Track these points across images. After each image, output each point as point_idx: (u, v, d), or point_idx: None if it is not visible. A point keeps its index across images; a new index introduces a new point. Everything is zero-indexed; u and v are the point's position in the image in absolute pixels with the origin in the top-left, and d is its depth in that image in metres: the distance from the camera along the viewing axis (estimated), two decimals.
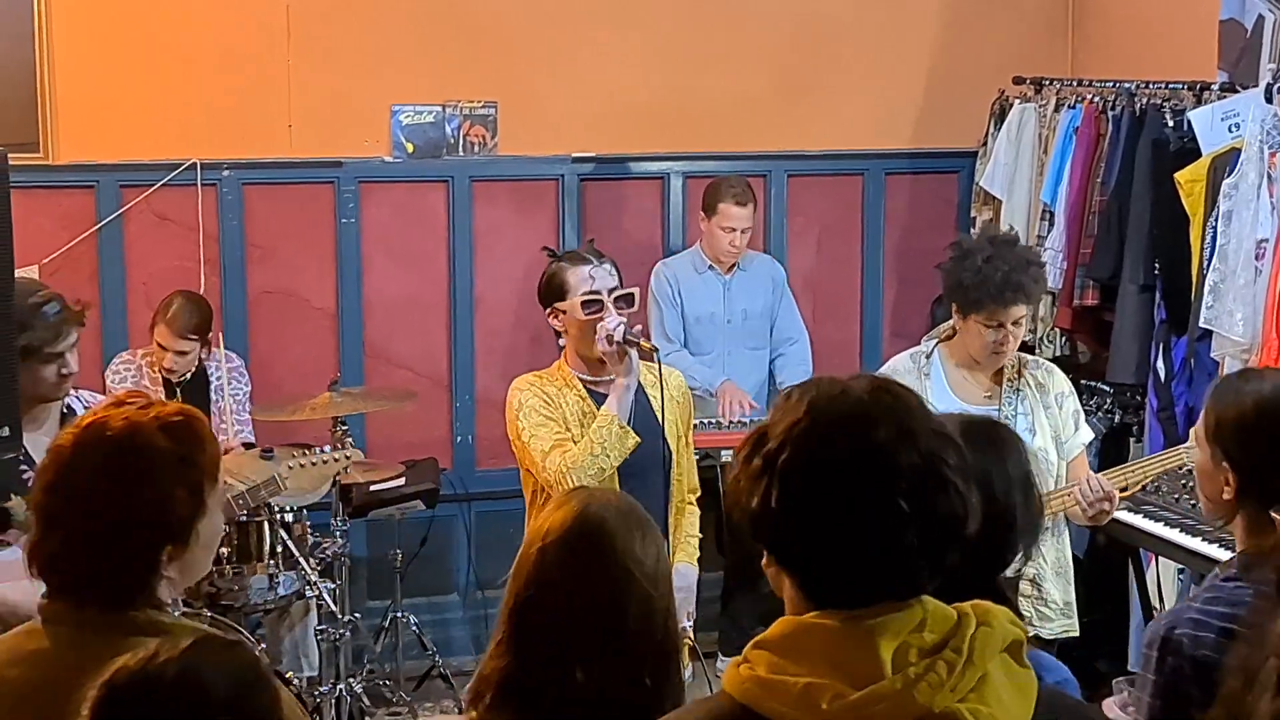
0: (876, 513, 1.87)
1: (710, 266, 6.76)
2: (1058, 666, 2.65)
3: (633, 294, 4.52)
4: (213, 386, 6.35)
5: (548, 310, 4.55)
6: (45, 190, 6.54)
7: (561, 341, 4.61)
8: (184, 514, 2.48)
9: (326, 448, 5.59)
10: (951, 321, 4.74)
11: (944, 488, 1.89)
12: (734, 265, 6.76)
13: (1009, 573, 2.66)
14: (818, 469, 1.89)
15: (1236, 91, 6.07)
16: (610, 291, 4.41)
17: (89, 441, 2.49)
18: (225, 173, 6.80)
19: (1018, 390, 4.68)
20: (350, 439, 6.00)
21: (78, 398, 4.62)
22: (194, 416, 2.60)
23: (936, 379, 4.71)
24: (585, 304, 4.38)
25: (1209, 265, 5.81)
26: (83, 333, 6.47)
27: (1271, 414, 2.90)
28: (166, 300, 6.22)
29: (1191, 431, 3.14)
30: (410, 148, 7.03)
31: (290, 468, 5.37)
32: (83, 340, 6.50)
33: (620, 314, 4.38)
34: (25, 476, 4.30)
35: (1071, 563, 4.75)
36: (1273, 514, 2.60)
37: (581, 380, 4.51)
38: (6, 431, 3.39)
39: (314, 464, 5.46)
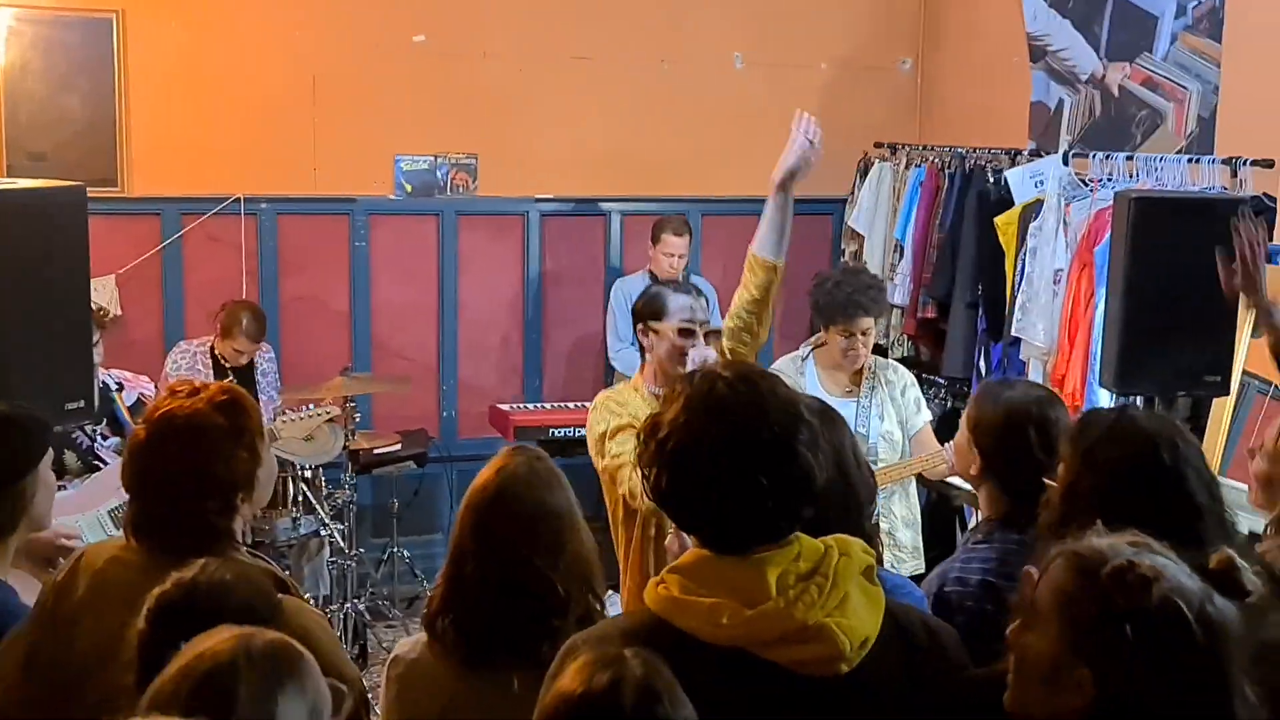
0: (743, 484, 1.86)
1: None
2: (909, 584, 2.69)
3: (715, 331, 3.93)
4: (259, 370, 6.29)
5: (639, 325, 3.90)
6: (121, 217, 6.45)
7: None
8: (248, 469, 2.47)
9: (311, 405, 5.60)
10: (821, 334, 4.76)
11: (794, 457, 1.87)
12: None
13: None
14: (694, 455, 1.88)
15: (1041, 156, 6.12)
16: (703, 324, 3.84)
17: (161, 430, 2.46)
18: (263, 205, 6.75)
19: (873, 387, 4.68)
20: (358, 414, 6.00)
21: (110, 375, 4.62)
22: (237, 392, 2.58)
23: (810, 377, 4.71)
24: (682, 330, 3.79)
25: (1019, 288, 5.84)
26: (143, 328, 6.54)
27: (1014, 418, 2.84)
28: (233, 313, 6.10)
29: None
30: (409, 189, 6.98)
31: (283, 422, 5.45)
32: (147, 330, 6.58)
33: (710, 345, 3.81)
34: (73, 436, 4.28)
35: (919, 517, 4.75)
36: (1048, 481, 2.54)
37: (654, 395, 3.78)
38: (82, 403, 3.35)
39: (300, 419, 5.52)
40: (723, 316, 3.95)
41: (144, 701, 1.69)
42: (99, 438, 4.99)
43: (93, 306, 4.75)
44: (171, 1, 6.50)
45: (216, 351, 6.15)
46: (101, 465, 4.73)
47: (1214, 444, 4.65)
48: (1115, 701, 1.64)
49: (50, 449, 2.83)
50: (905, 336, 6.79)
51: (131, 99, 6.47)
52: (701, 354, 3.69)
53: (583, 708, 1.66)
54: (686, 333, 3.79)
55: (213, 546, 2.40)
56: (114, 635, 2.25)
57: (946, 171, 6.61)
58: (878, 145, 7.30)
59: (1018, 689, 1.76)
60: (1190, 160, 5.34)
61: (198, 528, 2.42)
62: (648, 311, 3.87)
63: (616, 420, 3.70)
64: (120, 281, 6.51)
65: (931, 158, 6.81)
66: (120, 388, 5.28)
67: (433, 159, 7.00)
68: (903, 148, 7.14)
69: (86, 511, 4.18)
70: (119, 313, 6.47)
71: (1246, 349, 4.50)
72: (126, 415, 4.86)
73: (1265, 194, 4.88)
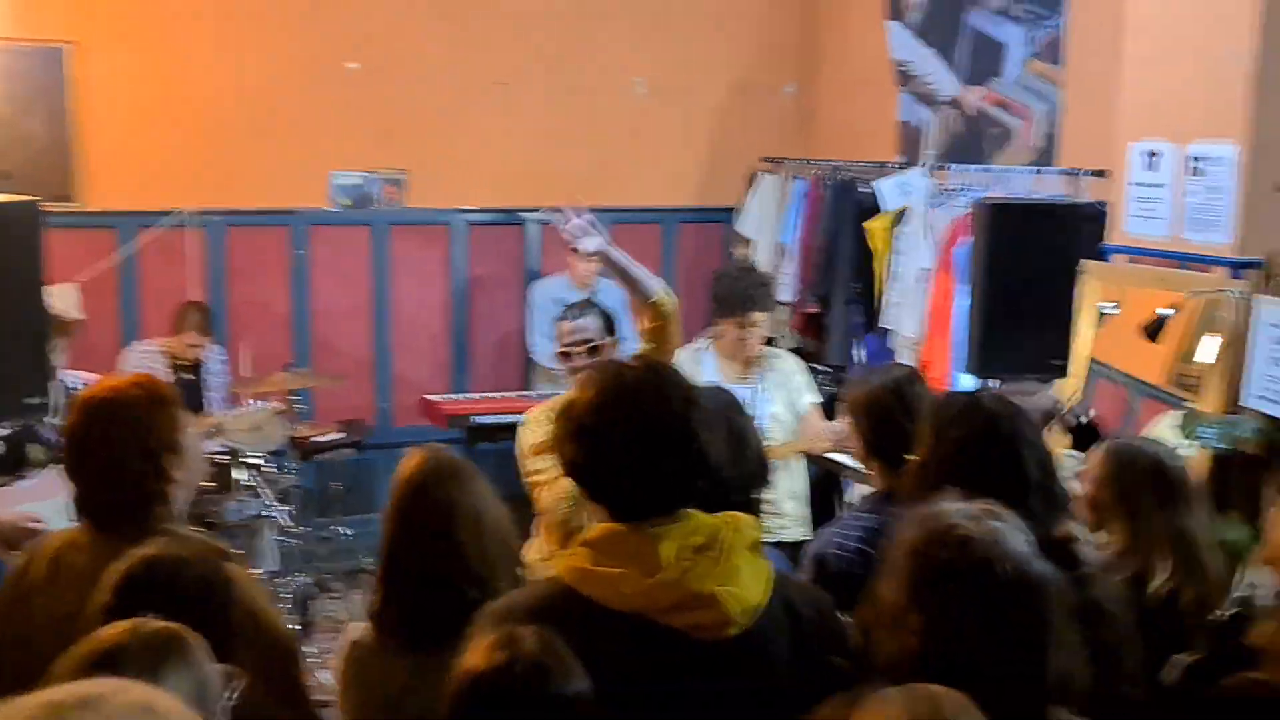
0: (645, 460, 1.85)
1: (573, 289, 6.50)
2: (773, 552, 2.67)
3: (599, 346, 3.70)
4: (209, 370, 6.16)
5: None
6: (81, 230, 6.29)
7: None
8: (171, 435, 2.41)
9: (256, 402, 5.52)
10: (717, 325, 4.73)
11: (692, 438, 1.87)
12: (589, 288, 6.47)
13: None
14: (602, 433, 1.88)
15: (908, 169, 6.16)
16: (584, 344, 3.67)
17: (85, 413, 2.42)
18: (212, 218, 6.60)
19: (763, 374, 4.67)
20: (301, 406, 5.91)
21: (73, 376, 4.56)
22: (151, 376, 2.55)
23: (707, 365, 4.68)
24: (560, 354, 3.75)
25: (890, 286, 5.89)
26: (102, 333, 6.38)
27: (876, 396, 2.88)
28: (183, 313, 6.00)
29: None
30: (345, 202, 6.88)
31: (232, 418, 5.36)
32: (105, 333, 6.42)
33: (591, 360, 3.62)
34: (38, 430, 4.18)
35: (806, 490, 4.75)
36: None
37: None
38: (39, 400, 3.27)
39: (246, 414, 5.42)
40: (635, 319, 3.91)
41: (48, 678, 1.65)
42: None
43: (56, 314, 4.62)
44: (121, 33, 6.34)
45: (171, 350, 6.01)
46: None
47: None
48: (942, 646, 1.67)
49: None
50: (791, 330, 6.82)
51: (86, 122, 6.31)
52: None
53: (481, 685, 1.66)
54: (564, 355, 3.72)
55: (153, 513, 2.36)
56: (71, 611, 2.19)
57: (826, 183, 6.63)
58: (764, 160, 7.31)
59: (878, 634, 1.78)
60: (1036, 171, 5.42)
61: (137, 496, 2.36)
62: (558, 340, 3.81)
63: (539, 437, 3.56)
64: (83, 289, 6.32)
65: (812, 171, 6.83)
66: (84, 385, 5.16)
67: (365, 174, 6.89)
68: (787, 162, 7.15)
69: (48, 500, 4.06)
70: (81, 315, 6.29)
71: (1087, 337, 4.56)
72: None
73: (1101, 201, 4.96)
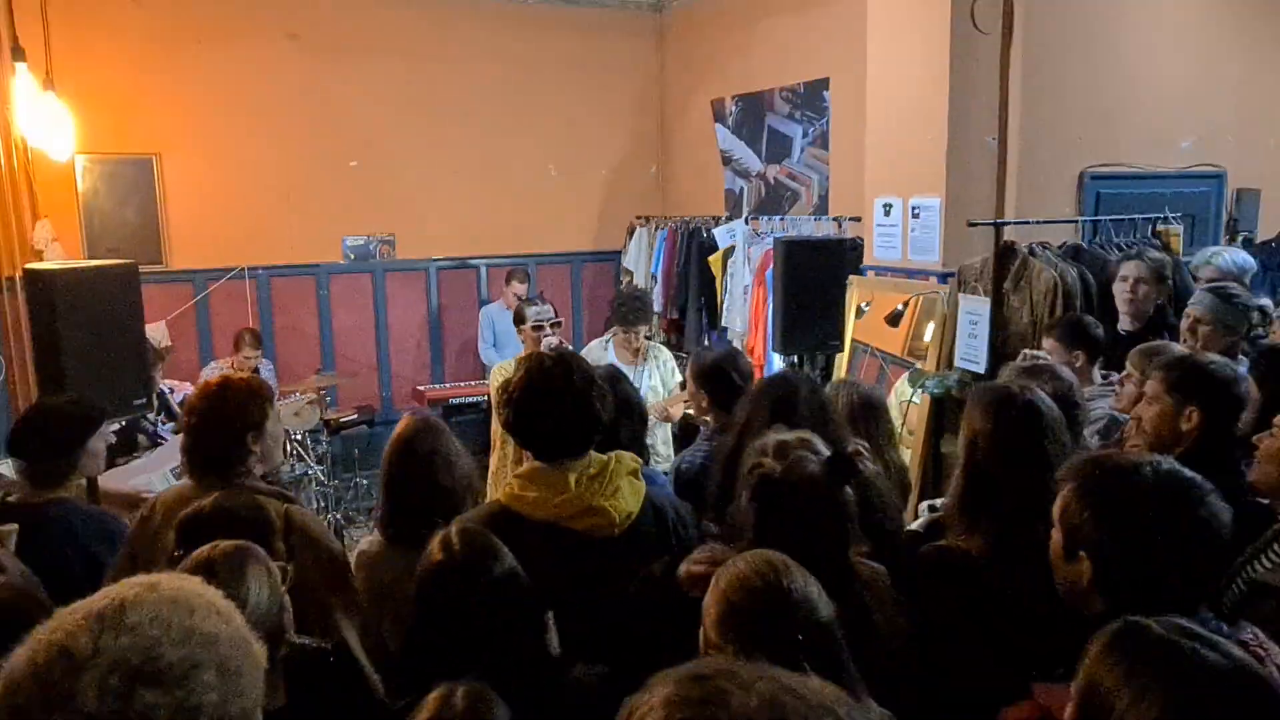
0: (557, 419, 1.84)
1: (505, 310, 6.43)
2: (659, 475, 2.68)
3: (560, 321, 3.99)
4: (264, 374, 5.98)
5: (519, 326, 3.97)
6: (166, 283, 6.09)
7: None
8: (259, 417, 2.30)
9: (296, 394, 5.40)
10: (614, 328, 4.76)
11: (590, 406, 1.86)
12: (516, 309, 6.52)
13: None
14: (527, 400, 1.86)
15: (732, 220, 6.24)
16: (550, 322, 3.91)
17: (206, 391, 2.34)
18: (260, 271, 6.42)
19: (646, 360, 4.70)
20: (328, 398, 5.78)
21: (166, 384, 4.38)
22: (257, 377, 2.46)
23: (610, 353, 4.70)
24: (535, 327, 3.86)
25: (725, 299, 5.97)
26: (186, 354, 6.18)
27: (720, 362, 2.89)
28: (239, 334, 5.84)
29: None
30: (352, 257, 6.74)
31: (281, 407, 5.18)
32: (187, 354, 6.22)
33: (554, 333, 3.84)
34: (143, 423, 4.03)
35: (672, 439, 4.79)
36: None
37: None
38: (144, 400, 3.15)
39: (291, 403, 5.32)
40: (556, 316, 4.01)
41: None
42: (159, 424, 4.69)
43: (155, 345, 4.47)
44: (192, 145, 6.14)
45: (234, 365, 5.85)
46: (163, 441, 4.45)
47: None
48: (769, 534, 1.64)
49: (98, 430, 2.62)
50: (661, 330, 6.88)
51: (169, 208, 6.09)
52: (549, 342, 3.76)
53: (433, 576, 1.64)
54: (537, 328, 3.89)
55: (232, 468, 2.26)
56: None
57: (679, 231, 6.69)
58: (638, 217, 7.33)
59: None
60: (816, 219, 5.54)
61: (224, 452, 2.26)
62: (517, 319, 4.02)
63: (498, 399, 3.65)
64: (170, 324, 6.13)
65: (670, 224, 6.88)
66: (173, 391, 5.00)
67: (366, 237, 6.77)
68: (653, 218, 7.19)
69: (155, 471, 3.93)
70: (169, 344, 6.10)
71: (851, 326, 4.69)
72: (177, 409, 4.59)
73: (857, 236, 5.10)
